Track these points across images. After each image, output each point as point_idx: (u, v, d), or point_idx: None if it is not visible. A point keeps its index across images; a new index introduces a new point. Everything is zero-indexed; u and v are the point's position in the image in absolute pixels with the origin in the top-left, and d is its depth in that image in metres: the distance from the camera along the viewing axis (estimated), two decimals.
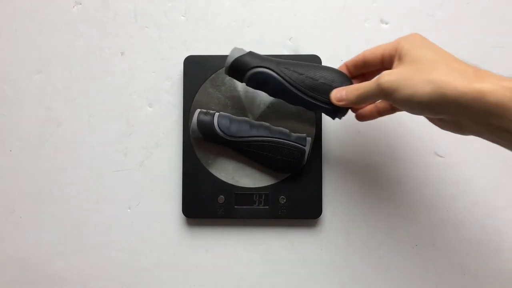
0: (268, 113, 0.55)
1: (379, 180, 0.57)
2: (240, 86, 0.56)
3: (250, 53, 0.50)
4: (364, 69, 0.48)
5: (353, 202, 0.57)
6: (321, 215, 0.56)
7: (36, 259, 0.58)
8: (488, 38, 0.57)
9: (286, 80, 0.49)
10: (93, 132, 0.59)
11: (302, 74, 0.49)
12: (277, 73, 0.49)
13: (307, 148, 0.52)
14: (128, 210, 0.58)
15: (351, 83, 0.48)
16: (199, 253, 0.57)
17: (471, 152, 0.57)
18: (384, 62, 0.45)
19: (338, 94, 0.47)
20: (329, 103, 0.48)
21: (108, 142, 0.58)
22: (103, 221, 0.58)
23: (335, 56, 0.58)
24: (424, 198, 0.57)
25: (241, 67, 0.50)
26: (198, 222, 0.58)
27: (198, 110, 0.54)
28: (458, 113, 0.37)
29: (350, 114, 0.59)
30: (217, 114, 0.53)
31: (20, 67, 0.59)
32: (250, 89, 0.56)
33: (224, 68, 0.51)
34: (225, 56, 0.56)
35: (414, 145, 0.57)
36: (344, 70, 0.49)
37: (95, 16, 0.59)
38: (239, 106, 0.56)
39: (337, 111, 0.49)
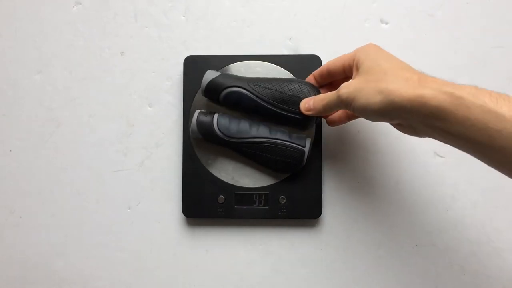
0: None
1: (379, 180, 0.57)
2: None
3: (223, 75, 0.53)
4: (329, 79, 0.52)
5: (353, 202, 0.57)
6: (321, 215, 0.56)
7: (36, 259, 0.58)
8: (488, 38, 0.57)
9: (257, 96, 0.52)
10: (93, 132, 0.59)
11: (272, 89, 0.52)
12: (248, 90, 0.52)
13: (307, 149, 0.52)
14: (128, 210, 0.58)
15: (319, 93, 0.52)
16: (199, 253, 0.57)
17: None
18: (346, 72, 0.49)
19: (306, 104, 0.51)
20: (299, 113, 0.51)
21: (108, 142, 0.58)
22: (103, 221, 0.58)
23: (335, 56, 0.58)
24: (424, 198, 0.57)
25: (215, 88, 0.53)
26: (198, 222, 0.58)
27: (198, 110, 0.54)
28: (408, 118, 0.40)
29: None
30: (216, 114, 0.53)
31: (20, 67, 0.59)
32: None
33: (200, 90, 0.54)
34: (225, 56, 0.57)
35: (414, 145, 0.57)
36: (312, 81, 0.53)
37: (95, 16, 0.59)
38: None
39: (307, 121, 0.52)
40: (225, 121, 0.53)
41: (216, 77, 0.53)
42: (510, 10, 0.58)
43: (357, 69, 0.45)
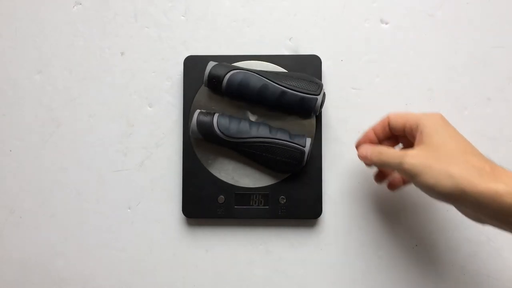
0: (268, 113, 0.55)
1: None
2: None
3: (225, 63, 0.54)
4: (389, 134, 0.50)
5: (353, 202, 0.57)
6: (321, 215, 0.56)
7: (36, 259, 0.58)
8: (488, 38, 0.57)
9: (264, 77, 0.52)
10: (93, 132, 0.59)
11: (278, 73, 0.53)
12: (254, 72, 0.52)
13: (307, 149, 0.52)
14: (128, 210, 0.58)
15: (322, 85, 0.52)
16: (199, 253, 0.57)
17: None
18: (406, 132, 0.47)
19: (364, 151, 0.48)
20: (308, 92, 0.51)
21: (108, 142, 0.58)
22: (103, 221, 0.58)
23: (335, 56, 0.58)
24: (424, 198, 0.57)
25: (219, 72, 0.52)
26: (198, 222, 0.58)
27: (198, 110, 0.54)
28: (477, 209, 0.39)
29: (348, 112, 0.59)
30: (216, 114, 0.53)
31: (20, 67, 0.59)
32: None
33: (204, 81, 0.54)
34: (225, 56, 0.57)
35: None
36: (372, 135, 0.51)
37: (95, 16, 0.59)
38: (239, 106, 0.55)
39: (314, 103, 0.52)
40: (225, 121, 0.52)
41: (220, 63, 0.53)
42: (510, 10, 0.58)
43: (421, 140, 0.44)
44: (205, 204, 0.55)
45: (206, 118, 0.53)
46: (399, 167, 0.43)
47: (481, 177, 0.38)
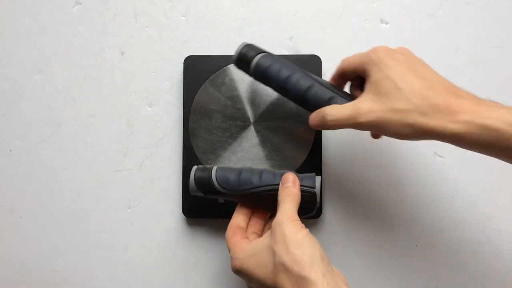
0: (268, 113, 0.55)
1: (379, 180, 0.57)
2: (240, 86, 0.56)
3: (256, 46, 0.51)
4: (346, 81, 0.49)
5: (353, 202, 0.57)
6: (321, 215, 0.56)
7: (36, 259, 0.58)
8: (488, 38, 0.57)
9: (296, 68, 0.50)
10: (93, 132, 0.59)
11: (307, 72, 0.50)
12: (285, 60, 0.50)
13: (318, 189, 0.46)
14: (128, 210, 0.58)
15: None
16: (199, 253, 0.57)
17: (471, 152, 0.56)
18: (359, 74, 0.45)
19: (315, 117, 0.46)
20: (347, 98, 0.47)
21: (108, 142, 0.58)
22: (103, 221, 0.58)
23: (335, 56, 0.58)
24: (424, 198, 0.57)
25: (252, 50, 0.50)
26: (198, 222, 0.58)
27: (195, 166, 0.50)
28: (451, 142, 0.40)
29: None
30: (215, 168, 0.49)
31: (20, 67, 0.59)
32: (250, 89, 0.56)
33: (233, 60, 0.51)
34: (225, 56, 0.56)
35: (414, 145, 0.57)
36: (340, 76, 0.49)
37: (95, 16, 0.59)
38: (239, 106, 0.56)
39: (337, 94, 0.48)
40: (224, 173, 0.48)
41: (252, 44, 0.51)
42: (510, 10, 0.58)
43: (371, 88, 0.42)
44: (205, 204, 0.55)
45: (204, 174, 0.49)
46: (356, 127, 0.43)
47: (437, 119, 0.39)
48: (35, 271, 0.58)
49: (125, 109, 0.59)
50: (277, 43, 0.58)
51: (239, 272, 0.43)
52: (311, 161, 0.55)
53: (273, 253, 0.40)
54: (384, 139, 0.57)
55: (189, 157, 0.56)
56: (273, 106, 0.55)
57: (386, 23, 0.58)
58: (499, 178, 0.57)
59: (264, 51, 0.50)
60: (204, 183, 0.49)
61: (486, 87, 0.57)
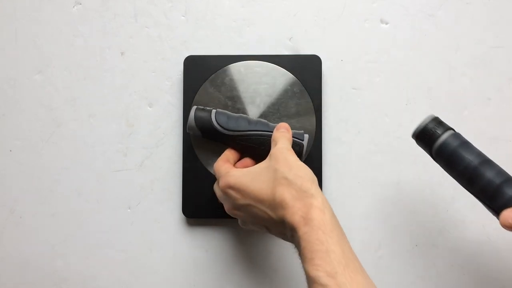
0: (268, 113, 0.55)
1: (379, 180, 0.57)
2: (240, 86, 0.56)
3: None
4: None
5: (353, 202, 0.57)
6: None
7: (36, 259, 0.58)
8: (488, 38, 0.57)
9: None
10: (93, 132, 0.59)
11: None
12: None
13: (305, 143, 0.51)
14: (128, 210, 0.58)
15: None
16: (199, 253, 0.57)
17: None
18: None
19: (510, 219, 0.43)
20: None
21: (108, 142, 0.58)
22: (103, 221, 0.58)
23: (335, 56, 0.58)
24: (424, 198, 0.57)
25: (440, 126, 0.45)
26: (198, 222, 0.58)
27: (195, 106, 0.53)
28: None
29: (348, 112, 0.59)
30: (214, 110, 0.52)
31: (20, 67, 0.59)
32: (250, 89, 0.56)
33: (414, 132, 0.47)
34: (225, 56, 0.56)
35: (414, 145, 0.57)
36: None
37: (95, 16, 0.59)
38: (239, 106, 0.56)
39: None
40: (223, 116, 0.52)
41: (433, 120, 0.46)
42: (510, 10, 0.58)
43: None
44: (205, 204, 0.55)
45: (204, 113, 0.52)
46: None
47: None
48: (35, 271, 0.58)
49: (125, 109, 0.59)
50: (277, 43, 0.58)
51: (231, 187, 0.45)
52: (311, 161, 0.55)
53: (274, 170, 0.43)
54: (385, 139, 0.57)
55: (189, 157, 0.56)
56: (273, 106, 0.56)
57: (386, 23, 0.58)
58: None
59: (452, 128, 0.45)
60: (203, 122, 0.51)
61: (486, 87, 0.57)
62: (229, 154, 0.51)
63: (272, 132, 0.51)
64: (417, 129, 0.46)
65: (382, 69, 0.58)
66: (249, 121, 0.52)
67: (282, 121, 0.55)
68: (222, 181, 0.46)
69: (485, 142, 0.57)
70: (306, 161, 0.53)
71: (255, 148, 0.52)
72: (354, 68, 0.58)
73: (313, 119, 0.55)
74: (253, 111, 0.55)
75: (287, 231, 0.42)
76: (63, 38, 0.59)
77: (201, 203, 0.56)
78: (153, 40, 0.59)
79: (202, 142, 0.55)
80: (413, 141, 0.57)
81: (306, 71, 0.55)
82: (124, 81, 0.59)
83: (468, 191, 0.44)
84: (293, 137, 0.51)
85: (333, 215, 0.41)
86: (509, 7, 0.58)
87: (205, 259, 0.57)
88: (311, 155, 0.54)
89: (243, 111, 0.55)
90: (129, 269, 0.58)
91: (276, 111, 0.55)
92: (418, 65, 0.58)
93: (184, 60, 0.57)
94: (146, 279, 0.58)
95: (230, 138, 0.52)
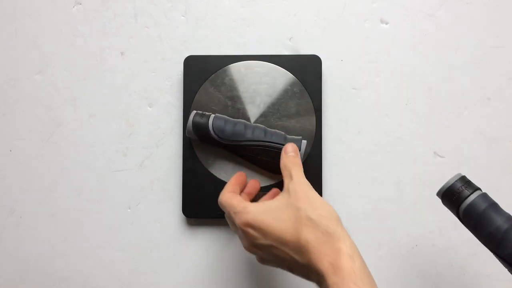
0: (268, 113, 0.55)
1: (379, 180, 0.57)
2: (240, 86, 0.56)
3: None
4: None
5: (353, 202, 0.57)
6: None
7: (36, 259, 0.58)
8: (488, 38, 0.57)
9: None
10: (93, 132, 0.59)
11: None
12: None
13: (302, 151, 0.51)
14: (128, 210, 0.58)
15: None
16: (199, 253, 0.57)
17: (471, 152, 0.57)
18: None
19: None
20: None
21: (108, 142, 0.58)
22: (103, 221, 0.58)
23: (335, 56, 0.58)
24: (424, 198, 0.57)
25: (468, 187, 0.44)
26: (198, 222, 0.58)
27: (194, 111, 0.53)
28: None
29: (348, 112, 0.59)
30: (212, 116, 0.53)
31: (20, 67, 0.59)
32: (250, 89, 0.56)
33: (439, 191, 0.45)
34: (225, 56, 0.56)
35: (414, 145, 0.57)
36: None
37: (95, 16, 0.59)
38: (239, 106, 0.56)
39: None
40: (220, 122, 0.52)
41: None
42: (510, 10, 0.58)
43: None
44: (205, 204, 0.55)
45: (201, 120, 0.53)
46: None
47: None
48: (35, 271, 0.58)
49: (125, 109, 0.59)
50: (277, 43, 0.58)
51: (250, 226, 0.42)
52: (311, 161, 0.55)
53: (297, 209, 0.40)
54: (385, 139, 0.57)
55: (189, 157, 0.56)
56: (273, 106, 0.56)
57: (386, 23, 0.58)
58: (499, 178, 0.57)
59: (480, 188, 0.44)
60: (201, 129, 0.52)
61: (486, 87, 0.57)
62: (234, 183, 0.49)
63: (268, 141, 0.51)
64: (443, 187, 0.44)
65: (382, 69, 0.58)
66: (246, 128, 0.52)
67: (282, 121, 0.55)
68: (240, 219, 0.42)
69: (485, 142, 0.57)
70: (306, 161, 0.54)
71: (251, 156, 0.53)
72: (354, 68, 0.58)
73: (313, 119, 0.55)
74: (253, 111, 0.55)
75: (312, 275, 0.39)
76: (63, 38, 0.59)
77: (201, 203, 0.56)
78: (153, 40, 0.59)
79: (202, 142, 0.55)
80: (413, 141, 0.58)
81: (306, 71, 0.55)
82: (124, 81, 0.59)
83: (495, 253, 0.41)
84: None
85: (362, 262, 0.39)
86: (509, 7, 0.58)
87: (205, 259, 0.57)
88: (311, 155, 0.54)
89: (243, 111, 0.55)
90: (129, 269, 0.58)
91: (276, 111, 0.55)
92: (418, 65, 0.58)
93: (184, 60, 0.57)
94: (146, 279, 0.58)
95: (227, 146, 0.53)
